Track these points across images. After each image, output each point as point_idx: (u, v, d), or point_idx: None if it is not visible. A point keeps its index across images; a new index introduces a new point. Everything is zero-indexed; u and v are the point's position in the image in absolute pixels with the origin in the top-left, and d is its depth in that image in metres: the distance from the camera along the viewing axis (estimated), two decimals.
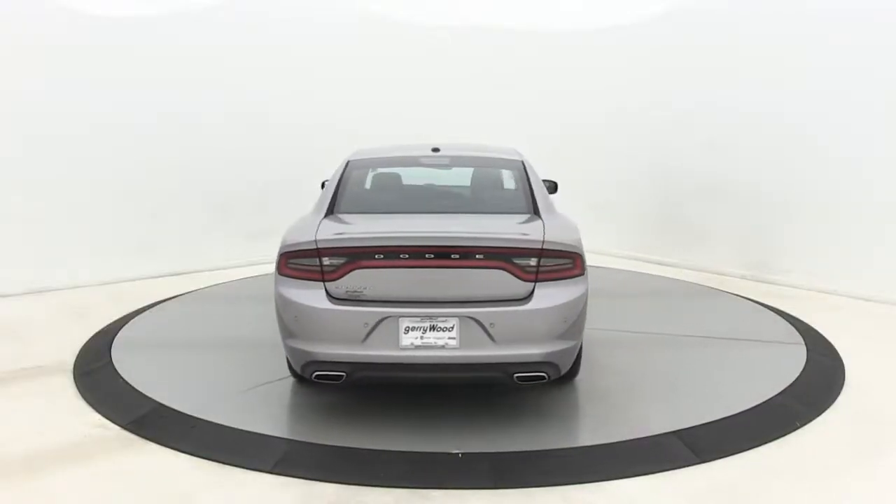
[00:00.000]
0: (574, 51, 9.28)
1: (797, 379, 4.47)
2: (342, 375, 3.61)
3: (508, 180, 4.65)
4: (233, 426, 3.77)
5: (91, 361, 4.83)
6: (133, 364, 4.72)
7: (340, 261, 3.63)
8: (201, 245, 7.76)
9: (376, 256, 3.60)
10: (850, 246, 6.90)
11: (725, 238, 7.99)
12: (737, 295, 6.81)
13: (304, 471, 3.33)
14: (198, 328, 5.62)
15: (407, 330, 3.54)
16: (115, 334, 5.38)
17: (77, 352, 5.03)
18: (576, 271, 3.72)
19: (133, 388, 4.31)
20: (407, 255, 3.59)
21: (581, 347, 4.12)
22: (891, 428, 3.91)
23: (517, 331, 3.56)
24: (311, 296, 3.63)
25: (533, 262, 3.61)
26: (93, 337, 5.36)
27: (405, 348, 3.54)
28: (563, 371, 3.79)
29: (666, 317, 6.12)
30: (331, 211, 4.22)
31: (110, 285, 7.03)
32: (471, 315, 3.53)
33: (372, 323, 3.53)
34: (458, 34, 9.63)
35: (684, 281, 7.47)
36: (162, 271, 7.41)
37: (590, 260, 7.91)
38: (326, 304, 3.60)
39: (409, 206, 4.53)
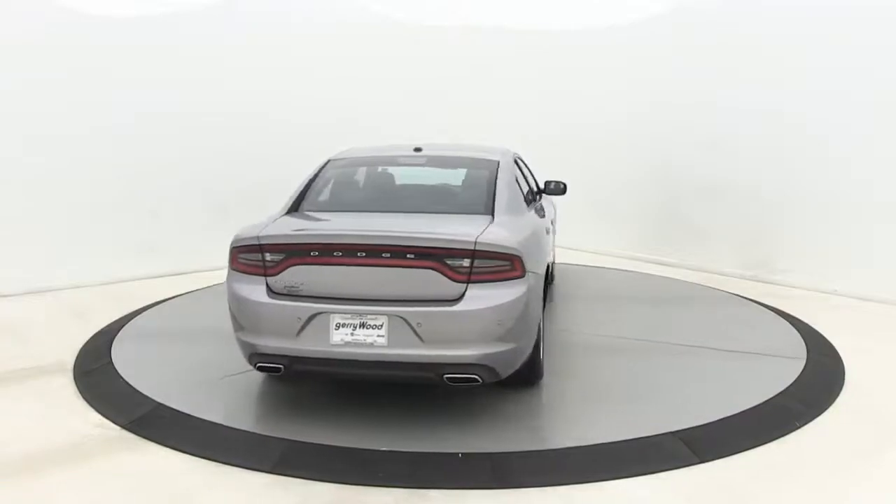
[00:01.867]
0: (574, 51, 9.28)
1: (797, 379, 4.47)
2: (280, 367, 3.71)
3: (478, 180, 4.61)
4: (233, 426, 3.77)
5: (91, 361, 4.83)
6: (133, 364, 4.71)
7: (280, 257, 3.72)
8: (201, 245, 7.72)
9: (311, 253, 3.68)
10: (849, 246, 6.90)
11: (725, 238, 8.00)
12: (737, 295, 6.81)
13: (304, 471, 3.33)
14: (198, 328, 5.61)
15: (338, 326, 3.60)
16: (115, 334, 5.37)
17: (77, 352, 5.03)
18: (514, 273, 3.63)
19: (133, 387, 4.30)
20: (340, 253, 3.64)
21: (540, 350, 4.12)
22: (891, 428, 3.91)
23: (446, 331, 3.53)
24: (254, 290, 3.75)
25: (465, 262, 3.56)
26: (93, 337, 5.36)
27: (336, 344, 3.59)
28: (504, 375, 3.74)
29: (665, 316, 6.13)
30: (294, 208, 4.39)
31: (110, 285, 7.03)
32: (399, 314, 3.54)
33: (304, 318, 3.60)
34: (458, 34, 9.63)
35: (684, 281, 7.47)
36: (162, 271, 7.41)
37: (590, 260, 7.91)
38: (265, 299, 3.71)
39: (371, 205, 4.60)
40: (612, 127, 8.96)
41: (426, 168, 4.99)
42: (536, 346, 4.06)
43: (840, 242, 6.97)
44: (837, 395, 4.30)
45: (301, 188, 4.61)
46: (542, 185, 5.95)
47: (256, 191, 8.28)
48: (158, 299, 6.42)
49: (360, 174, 5.00)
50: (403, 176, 5.01)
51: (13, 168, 6.76)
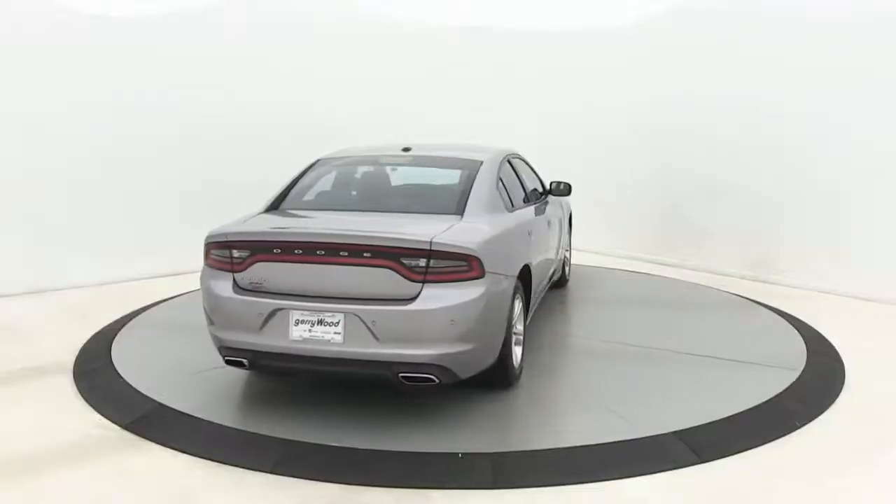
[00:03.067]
0: (574, 51, 9.29)
1: (797, 379, 4.47)
2: (245, 362, 3.85)
3: (456, 181, 4.64)
4: (233, 426, 3.77)
5: (91, 361, 4.83)
6: (133, 364, 4.72)
7: (245, 253, 3.84)
8: (201, 245, 7.74)
9: (274, 251, 3.77)
10: (849, 246, 6.90)
11: (725, 238, 8.00)
12: (737, 295, 6.81)
13: (304, 471, 3.33)
14: (198, 328, 5.58)
15: (297, 322, 3.66)
16: (115, 334, 5.37)
17: (77, 352, 5.03)
18: (472, 274, 3.63)
19: (133, 388, 4.30)
20: (300, 251, 3.71)
21: (511, 352, 4.10)
22: (891, 427, 3.91)
23: (400, 330, 3.55)
24: (222, 285, 3.89)
25: (422, 262, 3.57)
26: (93, 337, 5.36)
27: (295, 340, 3.65)
28: (463, 376, 3.74)
29: (665, 315, 6.13)
30: (275, 206, 4.52)
31: (110, 285, 7.04)
32: (355, 312, 3.57)
33: (266, 313, 3.69)
34: (458, 34, 9.63)
35: (684, 281, 7.47)
36: (162, 271, 7.41)
37: (590, 259, 7.90)
38: (231, 294, 3.83)
39: (347, 205, 4.67)
40: (612, 127, 8.97)
41: (410, 168, 5.02)
42: (506, 348, 4.04)
43: (840, 242, 6.97)
44: (837, 395, 4.30)
45: (284, 187, 4.73)
46: (547, 186, 5.95)
47: (257, 190, 8.28)
48: (158, 299, 6.42)
49: (345, 174, 5.05)
50: (386, 176, 5.06)
51: (13, 168, 6.76)
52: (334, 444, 3.55)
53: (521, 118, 9.36)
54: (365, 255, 3.60)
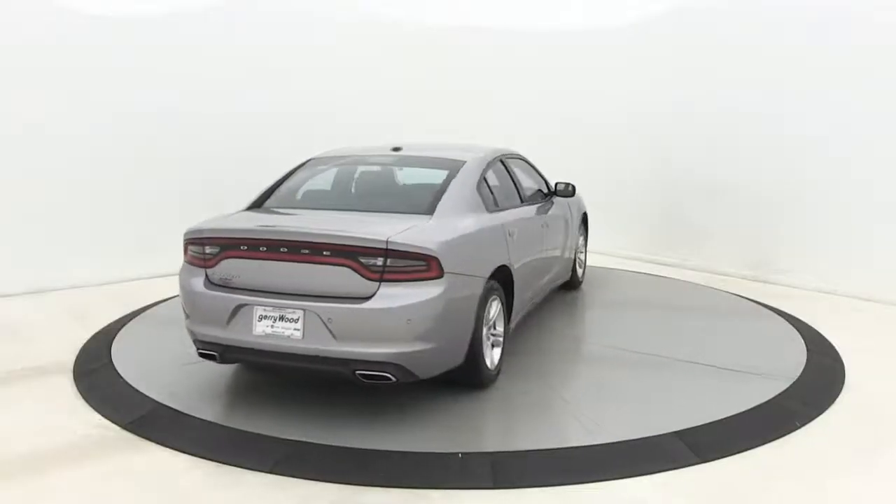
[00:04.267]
0: (574, 51, 9.29)
1: (797, 379, 4.47)
2: (215, 355, 3.96)
3: (434, 180, 4.65)
4: (233, 426, 3.77)
5: (91, 361, 4.83)
6: (133, 364, 4.72)
7: (216, 249, 3.95)
8: None
9: (242, 247, 3.88)
10: (849, 246, 6.90)
11: (725, 238, 8.00)
12: (737, 294, 6.81)
13: (304, 471, 3.33)
14: None
15: (260, 318, 3.75)
16: (115, 334, 5.37)
17: (77, 352, 5.03)
18: (431, 274, 3.64)
19: (133, 388, 4.30)
20: (265, 248, 3.80)
21: (481, 353, 4.07)
22: (891, 427, 3.91)
23: (356, 328, 3.59)
24: (195, 281, 4.02)
25: (379, 261, 3.61)
26: (93, 337, 5.36)
27: (258, 335, 3.75)
28: (423, 375, 3.77)
29: (663, 315, 6.13)
30: (258, 204, 4.64)
31: (110, 285, 7.04)
32: (313, 309, 3.64)
33: (231, 308, 3.80)
34: (458, 34, 9.63)
35: (683, 281, 7.48)
36: (162, 271, 7.39)
37: (590, 259, 7.87)
38: (201, 289, 3.96)
39: (324, 203, 4.72)
40: (612, 127, 8.96)
41: (396, 168, 5.03)
42: (474, 349, 4.03)
43: (840, 242, 6.97)
44: (837, 395, 4.30)
45: (270, 185, 4.83)
46: (553, 187, 5.94)
47: (256, 190, 8.29)
48: (158, 299, 6.41)
49: (331, 173, 5.10)
50: (371, 176, 5.09)
51: (13, 168, 6.76)
52: (334, 444, 3.55)
53: (521, 118, 9.36)
54: (324, 253, 3.67)
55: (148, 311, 6.08)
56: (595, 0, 9.26)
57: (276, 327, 3.71)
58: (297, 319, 3.67)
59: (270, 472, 3.32)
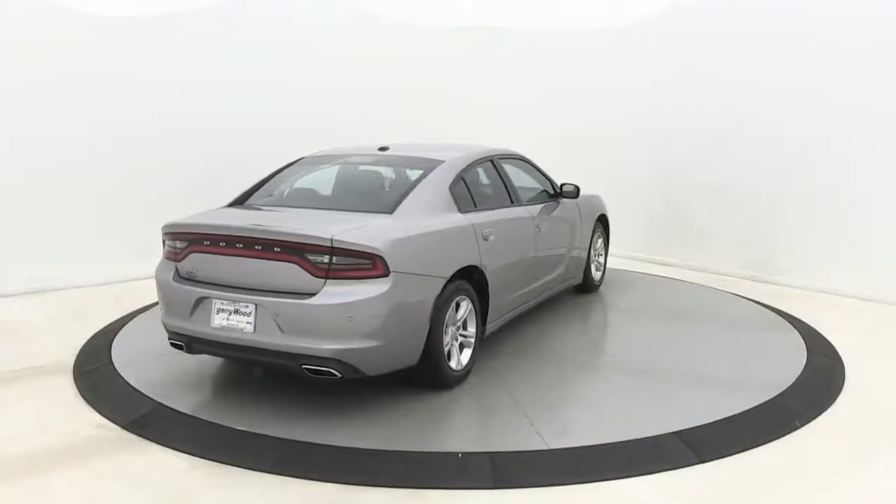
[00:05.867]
0: (574, 51, 9.28)
1: (797, 379, 4.47)
2: (182, 345, 4.13)
3: (405, 180, 4.67)
4: (233, 426, 3.77)
5: (91, 361, 4.83)
6: (133, 364, 4.72)
7: (184, 244, 4.14)
8: None
9: (204, 243, 4.03)
10: (849, 246, 6.90)
11: (725, 238, 8.00)
12: (736, 294, 6.81)
13: (304, 471, 3.33)
14: None
15: (218, 311, 3.89)
16: (115, 334, 5.38)
17: (77, 352, 5.03)
18: (376, 272, 3.69)
19: (133, 387, 4.31)
20: (224, 244, 3.94)
21: (442, 353, 4.07)
22: (891, 427, 3.91)
23: (301, 324, 3.68)
24: (166, 274, 4.22)
25: (325, 259, 3.68)
26: (93, 337, 5.36)
27: (215, 328, 3.89)
28: (369, 372, 3.80)
29: (663, 314, 6.13)
30: (240, 202, 4.77)
31: (110, 285, 7.03)
32: (264, 304, 3.75)
33: (193, 301, 3.97)
34: (458, 34, 9.63)
35: (685, 281, 7.47)
36: None
37: None
38: (170, 282, 4.15)
39: (296, 202, 4.77)
40: (612, 127, 8.96)
41: (376, 168, 5.05)
42: (432, 349, 4.03)
43: (840, 242, 6.97)
44: (837, 395, 4.30)
45: (255, 183, 4.97)
46: (559, 189, 5.91)
47: None
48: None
49: (314, 172, 5.15)
50: (351, 175, 5.11)
51: (13, 168, 6.76)
52: (334, 444, 3.55)
53: (521, 118, 9.36)
54: (275, 249, 3.77)
55: (148, 311, 6.07)
56: (595, 0, 9.25)
57: (231, 320, 3.84)
58: (250, 313, 3.78)
59: (270, 471, 3.32)
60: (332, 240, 3.65)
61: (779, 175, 7.45)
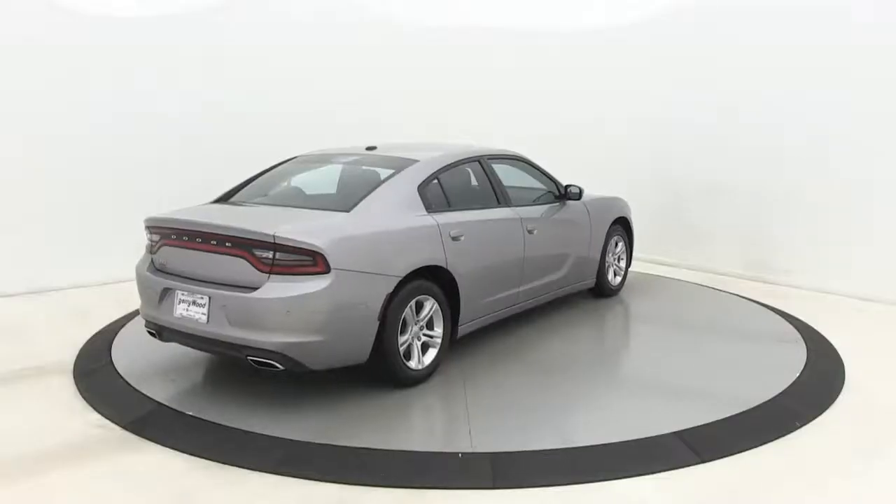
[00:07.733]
0: (574, 51, 9.27)
1: (797, 379, 4.47)
2: (155, 333, 4.33)
3: (373, 179, 4.68)
4: (233, 426, 3.77)
5: (91, 361, 4.83)
6: (133, 364, 4.72)
7: (157, 238, 4.36)
8: None
9: (172, 237, 4.23)
10: (849, 246, 6.89)
11: (725, 238, 7.99)
12: (736, 295, 6.81)
13: (304, 471, 3.33)
14: None
15: (179, 301, 4.08)
16: (115, 334, 5.37)
17: (77, 352, 5.03)
18: (316, 269, 3.78)
19: (133, 388, 4.31)
20: (186, 238, 4.14)
21: (397, 352, 4.08)
22: (891, 427, 3.91)
23: (244, 316, 3.81)
24: (143, 265, 4.46)
25: (269, 254, 3.80)
26: (93, 337, 5.36)
27: (177, 317, 4.08)
28: (313, 366, 3.88)
29: (662, 314, 6.13)
30: (225, 198, 4.91)
31: (110, 285, 7.03)
32: (214, 296, 3.91)
33: (159, 291, 4.19)
34: (457, 34, 9.62)
35: (684, 281, 7.47)
36: None
37: None
38: (144, 273, 4.37)
39: (274, 199, 4.84)
40: (612, 127, 8.95)
41: (356, 167, 5.09)
42: (384, 347, 4.05)
43: (840, 242, 6.97)
44: (837, 395, 4.30)
45: (244, 180, 5.09)
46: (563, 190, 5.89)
47: None
48: None
49: (300, 171, 5.24)
50: (328, 174, 5.15)
51: (13, 168, 6.75)
52: (334, 444, 3.56)
53: (522, 118, 9.35)
54: (227, 244, 3.93)
55: None
56: (595, 1, 9.25)
57: (189, 311, 4.02)
58: (204, 304, 3.94)
59: (271, 472, 3.32)
60: (274, 236, 3.77)
61: (779, 175, 7.44)
